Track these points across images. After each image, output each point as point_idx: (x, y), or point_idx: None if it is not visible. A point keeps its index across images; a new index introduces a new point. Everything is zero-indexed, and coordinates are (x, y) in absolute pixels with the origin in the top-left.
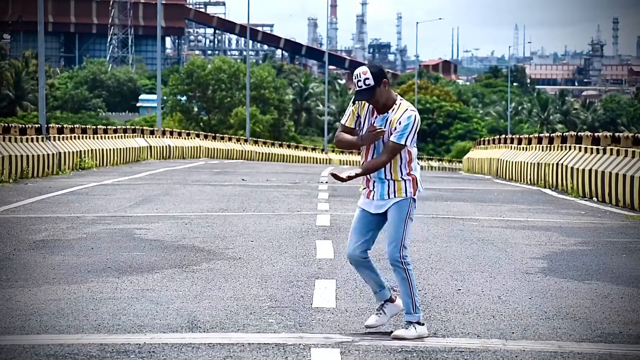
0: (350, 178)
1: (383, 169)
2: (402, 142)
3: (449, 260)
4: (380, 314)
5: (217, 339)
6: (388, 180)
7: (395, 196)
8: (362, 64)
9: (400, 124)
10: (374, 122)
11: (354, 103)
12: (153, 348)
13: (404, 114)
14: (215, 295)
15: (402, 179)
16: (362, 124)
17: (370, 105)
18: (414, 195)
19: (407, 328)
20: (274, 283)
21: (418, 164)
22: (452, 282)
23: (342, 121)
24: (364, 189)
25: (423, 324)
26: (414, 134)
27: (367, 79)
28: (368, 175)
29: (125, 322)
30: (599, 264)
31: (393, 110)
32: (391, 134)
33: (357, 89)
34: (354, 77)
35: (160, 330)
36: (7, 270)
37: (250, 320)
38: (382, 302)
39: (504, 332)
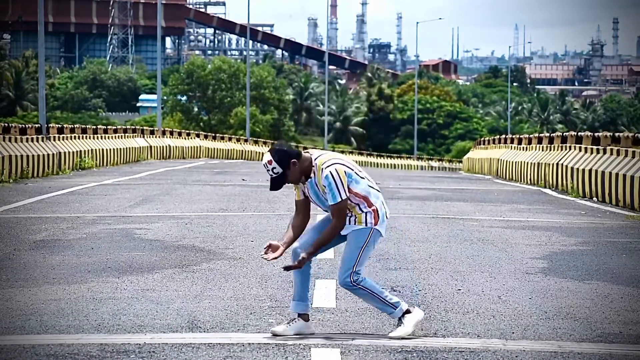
0: (304, 260)
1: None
2: (339, 200)
3: (449, 260)
4: (289, 326)
5: (217, 339)
6: (349, 217)
7: (355, 224)
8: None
9: (325, 187)
10: (305, 189)
11: (277, 188)
12: (153, 348)
13: (323, 178)
14: (215, 295)
15: (363, 211)
16: (305, 190)
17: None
18: (376, 225)
19: (399, 325)
20: (274, 283)
21: (379, 191)
22: (452, 282)
23: (295, 198)
24: None
25: (410, 311)
26: (343, 184)
27: (274, 168)
28: None
29: (126, 322)
30: (599, 264)
31: (314, 174)
32: (325, 193)
33: (271, 178)
34: (265, 167)
35: (161, 330)
36: (7, 270)
37: (251, 320)
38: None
39: (504, 332)
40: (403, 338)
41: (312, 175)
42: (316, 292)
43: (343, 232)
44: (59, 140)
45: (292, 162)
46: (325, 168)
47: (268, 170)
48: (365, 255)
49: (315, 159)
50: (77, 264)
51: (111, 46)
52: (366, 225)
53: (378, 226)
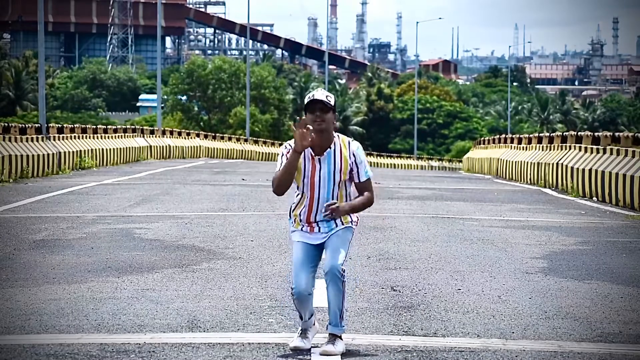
0: (338, 211)
1: (329, 195)
2: (371, 175)
3: (449, 260)
4: (306, 338)
5: (217, 339)
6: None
7: (342, 224)
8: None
9: (355, 159)
10: (316, 165)
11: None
12: (153, 348)
13: (354, 149)
14: (215, 295)
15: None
16: (303, 166)
17: (309, 150)
18: (356, 224)
19: (333, 343)
20: (274, 283)
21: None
22: (452, 281)
23: (277, 168)
24: (302, 226)
25: (342, 339)
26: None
27: (329, 97)
28: (313, 221)
29: (126, 322)
30: (599, 263)
31: (334, 145)
32: (342, 170)
33: (318, 97)
34: (314, 92)
35: (161, 330)
36: (7, 270)
37: (250, 320)
38: (305, 327)
39: (504, 331)
40: (334, 354)
41: (332, 145)
42: (316, 292)
43: (323, 238)
44: (59, 140)
45: (335, 113)
46: (352, 142)
47: (324, 95)
48: (349, 249)
49: (336, 133)
50: (77, 263)
51: (111, 46)
52: (351, 224)
53: (357, 225)
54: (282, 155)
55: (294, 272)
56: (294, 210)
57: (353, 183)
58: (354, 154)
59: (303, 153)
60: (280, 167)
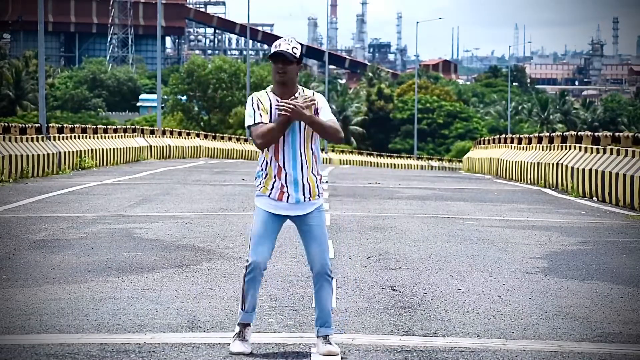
0: (299, 112)
1: (300, 171)
2: (335, 121)
3: (449, 260)
4: (245, 341)
5: (217, 339)
6: (303, 182)
7: (311, 199)
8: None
9: (318, 103)
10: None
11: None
12: (153, 348)
13: (314, 95)
14: (215, 295)
15: (315, 175)
16: (269, 117)
17: (271, 99)
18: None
19: (330, 342)
20: (274, 283)
21: None
22: (453, 281)
23: (255, 120)
24: (271, 190)
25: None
26: None
27: (296, 48)
28: (283, 178)
29: (126, 322)
30: (599, 263)
31: (299, 95)
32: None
33: (281, 50)
34: (280, 41)
35: (161, 330)
36: (7, 270)
37: None
38: (245, 326)
39: (504, 331)
40: (333, 355)
41: (296, 95)
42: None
43: (301, 210)
44: (59, 140)
45: (301, 65)
46: (315, 93)
47: (287, 45)
48: None
49: (300, 86)
50: (77, 263)
51: (111, 46)
52: (319, 195)
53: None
54: (257, 109)
55: (252, 243)
56: (266, 167)
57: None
58: (317, 98)
59: (270, 102)
60: (262, 120)
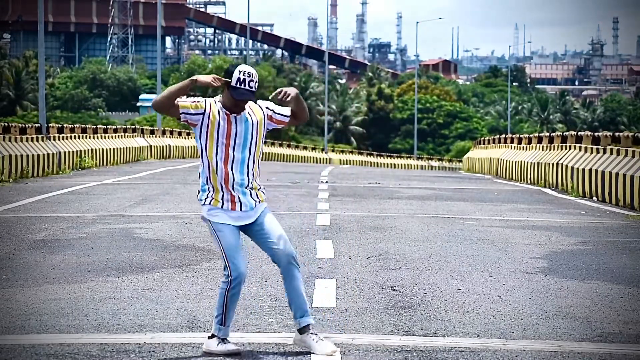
0: (288, 94)
1: (247, 178)
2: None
3: (449, 260)
4: (231, 343)
5: None
6: (249, 189)
7: (260, 202)
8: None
9: (267, 105)
10: (232, 123)
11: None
12: (153, 348)
13: (261, 103)
14: (215, 295)
15: (258, 185)
16: (218, 125)
17: (223, 110)
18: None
19: (322, 339)
20: (274, 283)
21: None
22: (452, 281)
23: (184, 102)
24: (222, 201)
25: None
26: None
27: (255, 82)
28: (231, 188)
29: (126, 322)
30: (599, 263)
31: (249, 107)
32: (259, 123)
33: (247, 88)
34: (243, 74)
35: (161, 330)
36: (7, 269)
37: (250, 320)
38: (225, 339)
39: (504, 331)
40: (334, 350)
41: (245, 107)
42: (316, 292)
43: (254, 216)
44: (58, 139)
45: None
46: (261, 101)
47: (251, 81)
48: None
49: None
50: (77, 263)
51: (111, 46)
52: (264, 200)
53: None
54: (194, 102)
55: (229, 257)
56: (210, 178)
57: (288, 122)
58: (266, 106)
59: (218, 113)
60: (167, 89)
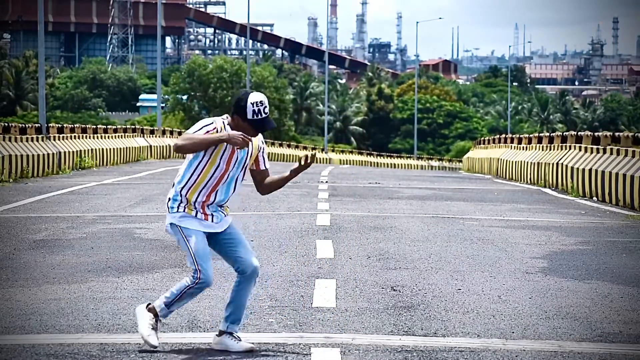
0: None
1: (229, 197)
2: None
3: (449, 260)
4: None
5: None
6: (221, 209)
7: (227, 215)
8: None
9: (262, 144)
10: (234, 154)
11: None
12: (153, 348)
13: (260, 136)
14: (215, 295)
15: (227, 206)
16: (223, 152)
17: (228, 128)
18: None
19: (240, 339)
20: (274, 283)
21: None
22: (452, 281)
23: (203, 131)
24: (195, 211)
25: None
26: None
27: (267, 107)
28: (211, 201)
29: (126, 322)
30: (599, 263)
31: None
32: (251, 156)
33: (264, 116)
34: (256, 105)
35: (161, 330)
36: (7, 270)
37: (251, 320)
38: (165, 316)
39: (504, 331)
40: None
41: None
42: (316, 291)
43: (224, 226)
44: (59, 139)
45: None
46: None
47: (265, 108)
48: None
49: None
50: (77, 263)
51: (111, 46)
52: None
53: None
54: (206, 125)
55: (201, 261)
56: (187, 193)
57: (254, 170)
58: (262, 142)
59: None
60: (200, 135)
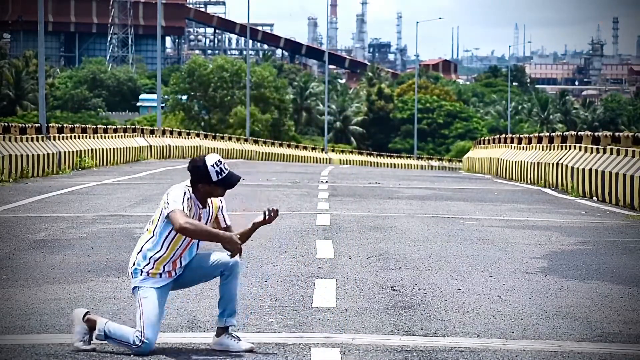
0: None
1: (190, 259)
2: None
3: (449, 260)
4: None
5: None
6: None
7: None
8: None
9: (222, 202)
10: (202, 215)
11: (197, 190)
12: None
13: (219, 201)
14: (215, 295)
15: None
16: (193, 215)
17: (196, 203)
18: None
19: (240, 339)
20: (274, 283)
21: None
22: (452, 281)
23: (184, 208)
24: (161, 274)
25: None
26: None
27: (226, 164)
28: (177, 265)
29: (126, 322)
30: (599, 263)
31: (211, 202)
32: (212, 217)
33: (227, 172)
34: (216, 165)
35: (161, 330)
36: (7, 269)
37: (251, 320)
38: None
39: (504, 331)
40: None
41: (209, 203)
42: (316, 292)
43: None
44: (58, 139)
45: None
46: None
47: (223, 165)
48: None
49: None
50: (77, 263)
51: (111, 46)
52: None
53: None
54: (184, 195)
55: (148, 324)
56: (156, 263)
57: (222, 224)
58: (221, 200)
59: (190, 209)
60: (207, 227)
